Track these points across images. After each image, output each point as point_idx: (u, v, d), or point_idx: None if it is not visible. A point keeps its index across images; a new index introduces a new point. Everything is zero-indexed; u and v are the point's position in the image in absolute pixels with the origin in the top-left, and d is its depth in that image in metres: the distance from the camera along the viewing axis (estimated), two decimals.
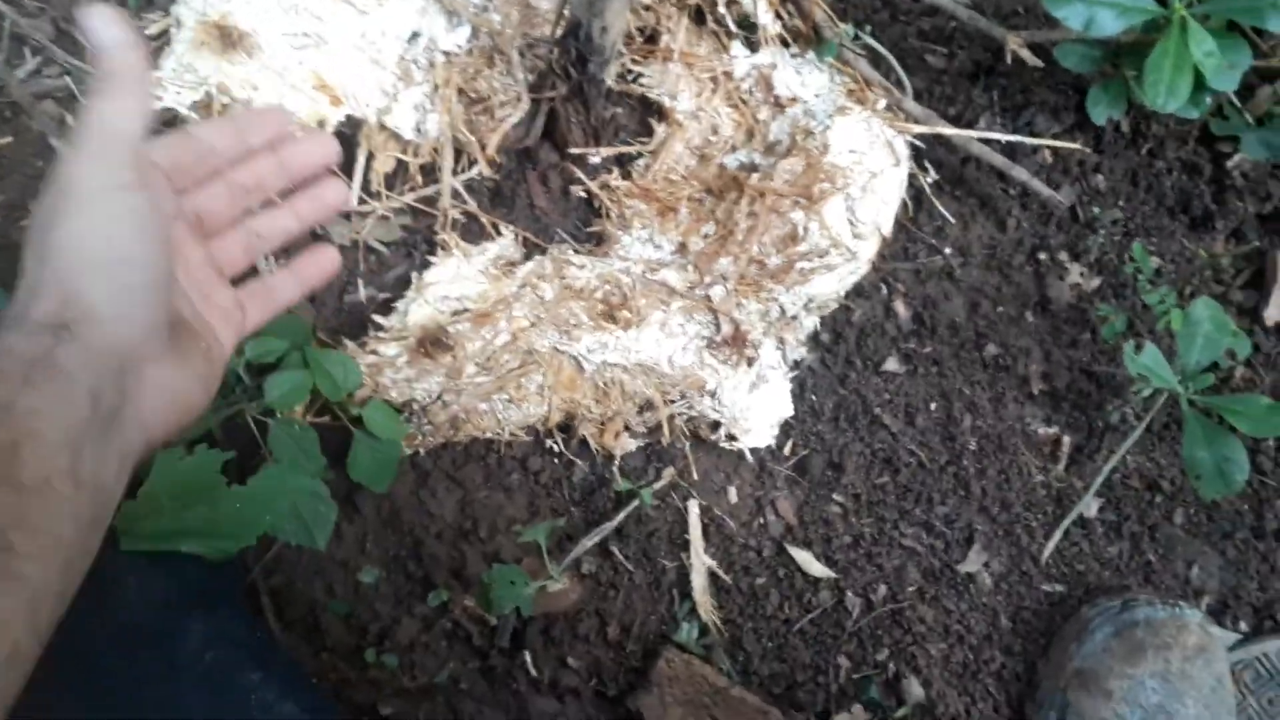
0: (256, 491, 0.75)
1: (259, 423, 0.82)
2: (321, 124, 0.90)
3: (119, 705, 0.61)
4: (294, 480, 0.78)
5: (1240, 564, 1.01)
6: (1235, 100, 1.06)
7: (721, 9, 0.98)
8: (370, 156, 0.91)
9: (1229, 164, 1.05)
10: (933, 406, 1.00)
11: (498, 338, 0.87)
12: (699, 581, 0.94)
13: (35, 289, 0.50)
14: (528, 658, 0.91)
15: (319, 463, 0.81)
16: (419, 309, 0.87)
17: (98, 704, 0.60)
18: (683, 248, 0.93)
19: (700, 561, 0.94)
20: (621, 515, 0.92)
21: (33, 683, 0.46)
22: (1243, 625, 1.01)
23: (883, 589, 0.97)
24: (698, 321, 0.91)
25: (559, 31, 0.80)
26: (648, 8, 0.97)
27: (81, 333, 0.49)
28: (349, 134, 0.93)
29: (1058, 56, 0.96)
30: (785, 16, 1.00)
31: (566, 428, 0.94)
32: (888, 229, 0.95)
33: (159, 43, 0.91)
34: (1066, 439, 1.01)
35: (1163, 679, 0.92)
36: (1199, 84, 0.89)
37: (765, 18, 0.98)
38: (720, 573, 0.95)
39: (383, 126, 0.92)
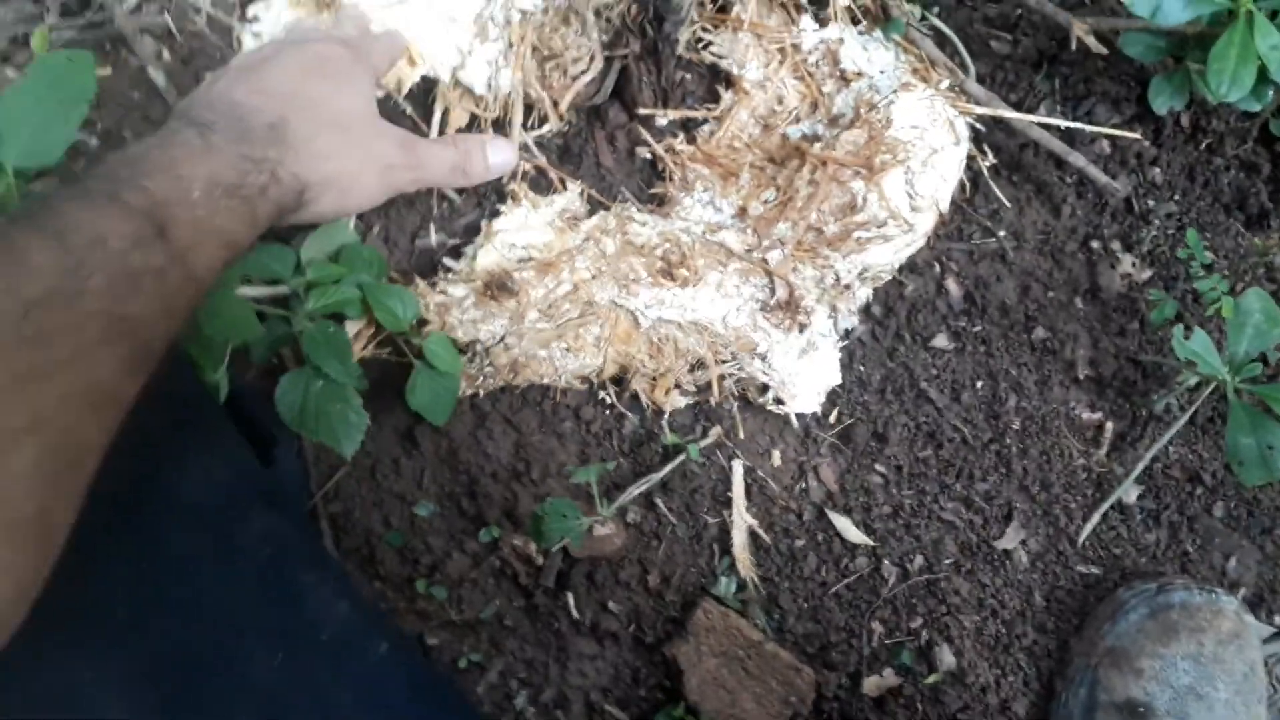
0: (286, 389, 0.81)
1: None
2: (400, 82, 0.93)
3: (172, 581, 0.63)
4: (321, 380, 0.82)
5: (1278, 559, 1.02)
6: None
7: None
8: (445, 112, 0.95)
9: None
10: (979, 385, 1.02)
11: (560, 287, 0.91)
12: (739, 539, 0.96)
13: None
14: (570, 600, 0.94)
15: (353, 370, 0.83)
16: (487, 254, 0.91)
17: (150, 576, 0.62)
18: (742, 212, 0.96)
19: (742, 519, 0.97)
20: (668, 468, 0.95)
21: (87, 545, 0.50)
22: (1278, 620, 1.02)
23: (919, 559, 0.99)
24: (753, 284, 0.93)
25: None
26: None
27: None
28: (427, 91, 0.97)
29: (1122, 44, 0.97)
30: None
31: (620, 380, 0.97)
32: (945, 205, 0.97)
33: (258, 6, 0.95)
34: (1110, 425, 1.02)
35: (1195, 661, 0.93)
36: (1262, 76, 0.90)
37: None
38: (760, 532, 0.97)
39: (457, 83, 0.95)
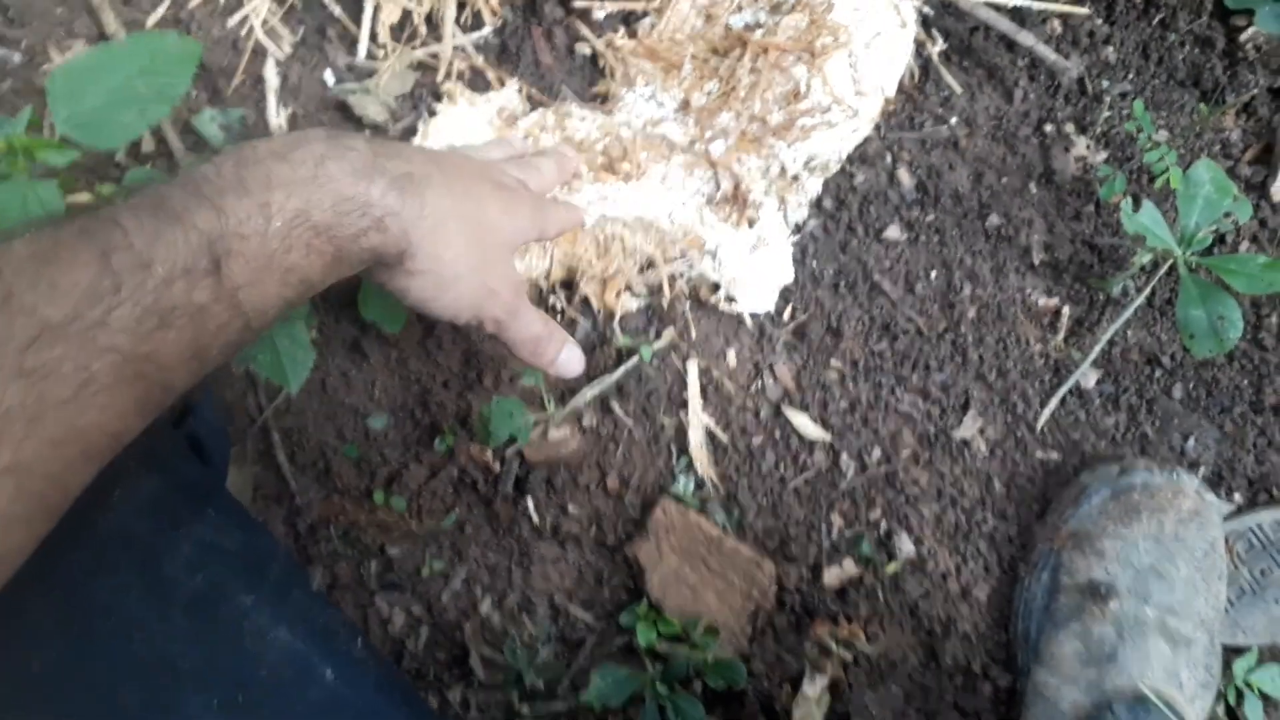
0: None
1: None
2: None
3: (98, 626, 0.57)
4: None
5: (1237, 438, 1.02)
6: None
7: None
8: (377, 8, 0.92)
9: (1242, 37, 1.04)
10: (933, 275, 1.01)
11: None
12: (696, 438, 0.96)
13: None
14: (530, 505, 0.94)
15: (303, 307, 0.81)
16: None
17: (75, 623, 0.57)
18: (685, 105, 0.94)
19: (698, 419, 0.96)
20: (621, 370, 0.94)
21: (10, 604, 0.46)
22: (1237, 497, 1.02)
23: (877, 452, 0.99)
24: (698, 177, 0.92)
25: None
26: None
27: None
28: None
29: None
30: None
31: (569, 284, 0.95)
32: (891, 90, 0.95)
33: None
34: (1066, 310, 1.02)
35: (1155, 540, 0.93)
36: None
37: None
38: (717, 432, 0.97)
39: None
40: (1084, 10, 1.00)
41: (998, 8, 0.99)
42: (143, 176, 0.75)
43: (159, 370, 0.49)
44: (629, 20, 0.99)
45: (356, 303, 0.87)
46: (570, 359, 0.79)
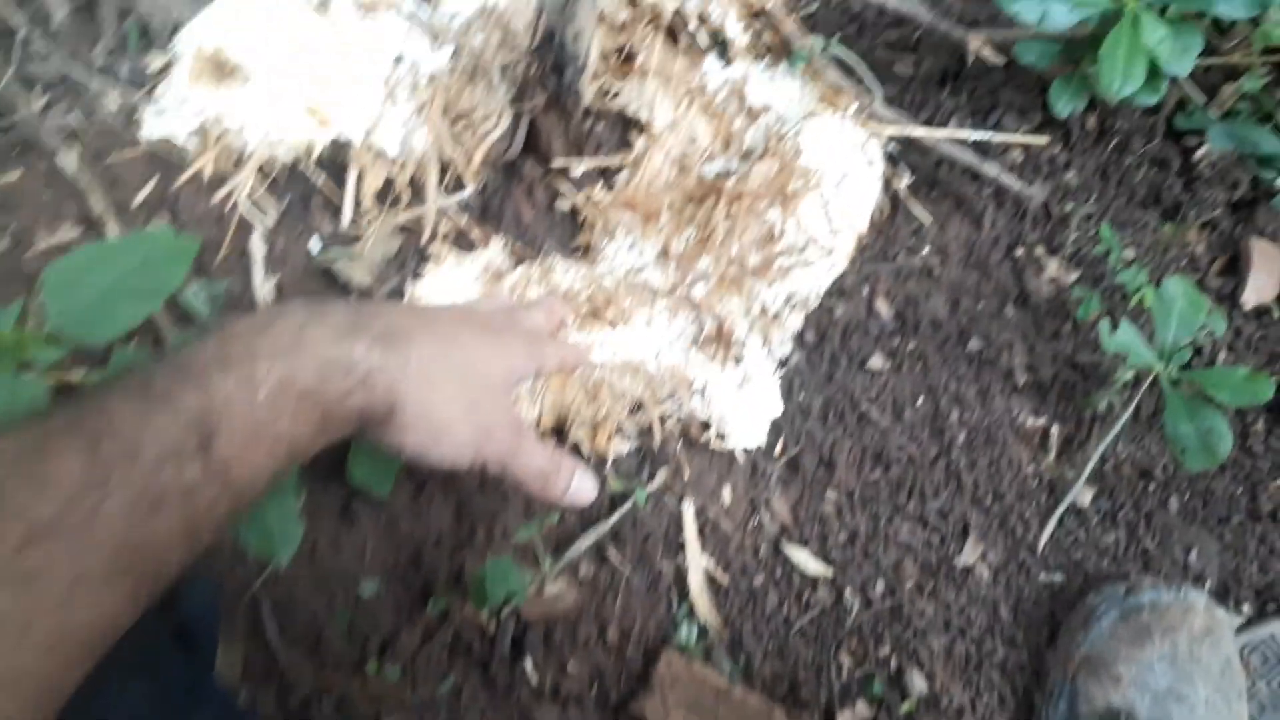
0: None
1: None
2: (310, 147, 0.93)
3: None
4: None
5: (1238, 547, 1.01)
6: (1198, 98, 1.10)
7: (694, 27, 1.02)
8: (360, 175, 0.95)
9: (1196, 156, 1.08)
10: (920, 401, 1.01)
11: None
12: (696, 582, 0.94)
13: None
14: (528, 665, 0.91)
15: (291, 477, 0.80)
16: None
17: None
18: (665, 252, 0.96)
19: (697, 562, 0.95)
20: (616, 516, 0.93)
21: None
22: (1245, 608, 1.01)
23: (880, 585, 0.97)
24: (682, 320, 0.93)
25: (535, 42, 0.84)
26: (623, 28, 1.01)
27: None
28: (338, 155, 0.97)
29: (1017, 53, 1.00)
30: (756, 31, 1.04)
31: (560, 431, 0.95)
32: (864, 226, 0.97)
33: (161, 77, 0.95)
34: (1055, 429, 1.02)
35: (1171, 662, 0.91)
36: (1154, 70, 0.92)
37: (736, 32, 1.02)
38: (717, 574, 0.95)
39: (369, 146, 0.96)
40: (1043, 139, 1.04)
41: (960, 142, 1.02)
42: (129, 359, 0.75)
43: (151, 558, 0.48)
44: (606, 175, 1.02)
45: (345, 467, 0.86)
46: (581, 488, 0.77)
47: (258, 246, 0.95)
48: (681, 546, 0.95)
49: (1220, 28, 1.10)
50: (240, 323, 0.56)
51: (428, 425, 0.64)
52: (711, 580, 0.95)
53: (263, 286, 0.94)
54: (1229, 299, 1.06)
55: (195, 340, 0.55)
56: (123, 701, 0.58)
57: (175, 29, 0.99)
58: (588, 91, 0.96)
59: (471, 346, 0.68)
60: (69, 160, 0.94)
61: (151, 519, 0.47)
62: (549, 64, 0.86)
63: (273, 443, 0.54)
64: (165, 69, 0.96)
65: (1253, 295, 1.05)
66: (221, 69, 0.90)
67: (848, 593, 0.96)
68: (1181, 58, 0.91)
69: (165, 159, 0.97)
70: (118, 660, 0.54)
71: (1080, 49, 0.99)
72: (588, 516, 0.95)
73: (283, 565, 0.78)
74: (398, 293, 0.95)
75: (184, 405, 0.50)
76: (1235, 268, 1.07)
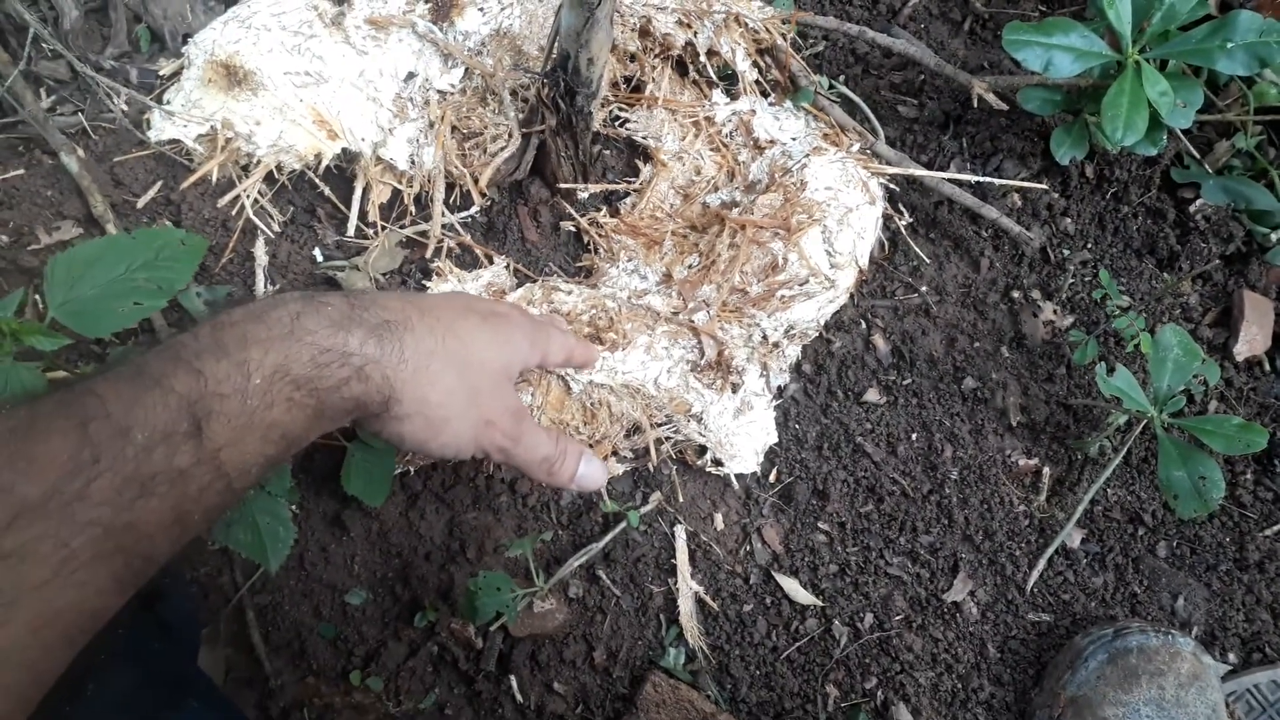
0: None
1: None
2: (319, 157, 0.94)
3: None
4: (251, 493, 0.78)
5: (1225, 595, 1.01)
6: (1194, 152, 1.12)
7: (703, 60, 1.04)
8: (367, 188, 0.96)
9: (1191, 208, 1.10)
10: (914, 436, 1.02)
11: None
12: (686, 607, 0.94)
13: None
14: (514, 682, 0.91)
15: (284, 482, 0.81)
16: None
17: None
18: (667, 278, 0.97)
19: (687, 587, 0.95)
20: (609, 538, 0.93)
21: None
22: (1231, 657, 1.01)
23: (869, 617, 0.97)
24: (682, 345, 0.93)
25: (548, 65, 0.86)
26: (633, 58, 1.03)
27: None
28: (345, 166, 0.98)
29: (1020, 100, 1.02)
30: (763, 67, 1.06)
31: None
32: (864, 261, 0.99)
33: (171, 81, 0.96)
34: (1047, 470, 1.03)
35: (1158, 706, 0.91)
36: (1155, 122, 0.94)
37: (744, 67, 1.04)
38: (707, 599, 0.95)
39: (378, 159, 0.96)
40: (1041, 186, 1.06)
41: (960, 184, 1.04)
42: (124, 354, 0.75)
43: (140, 540, 0.47)
44: (610, 199, 1.03)
45: (339, 476, 0.86)
46: (590, 472, 0.76)
47: (262, 253, 0.95)
48: (672, 570, 0.95)
49: (1216, 86, 1.12)
50: (236, 310, 0.56)
51: (425, 418, 0.64)
52: (701, 605, 0.95)
53: (265, 293, 0.94)
54: (1220, 350, 1.08)
55: (190, 328, 0.55)
56: (108, 688, 0.58)
57: (187, 36, 1.00)
58: (597, 117, 0.97)
59: (471, 336, 0.67)
60: (72, 159, 0.94)
61: (141, 502, 0.47)
62: (561, 88, 0.87)
63: (266, 430, 0.53)
64: (176, 74, 0.97)
65: (1245, 347, 1.07)
66: (233, 76, 0.91)
67: (836, 624, 0.96)
68: (1182, 112, 0.93)
69: (172, 162, 0.98)
70: (102, 645, 0.54)
71: (1082, 98, 1.01)
72: (580, 536, 0.95)
73: (273, 571, 0.78)
74: None
75: (176, 389, 0.49)
76: (1227, 319, 1.09)
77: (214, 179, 0.96)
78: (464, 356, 0.65)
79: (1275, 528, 1.02)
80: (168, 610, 0.75)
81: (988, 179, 1.05)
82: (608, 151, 1.04)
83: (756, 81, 1.06)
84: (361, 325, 0.59)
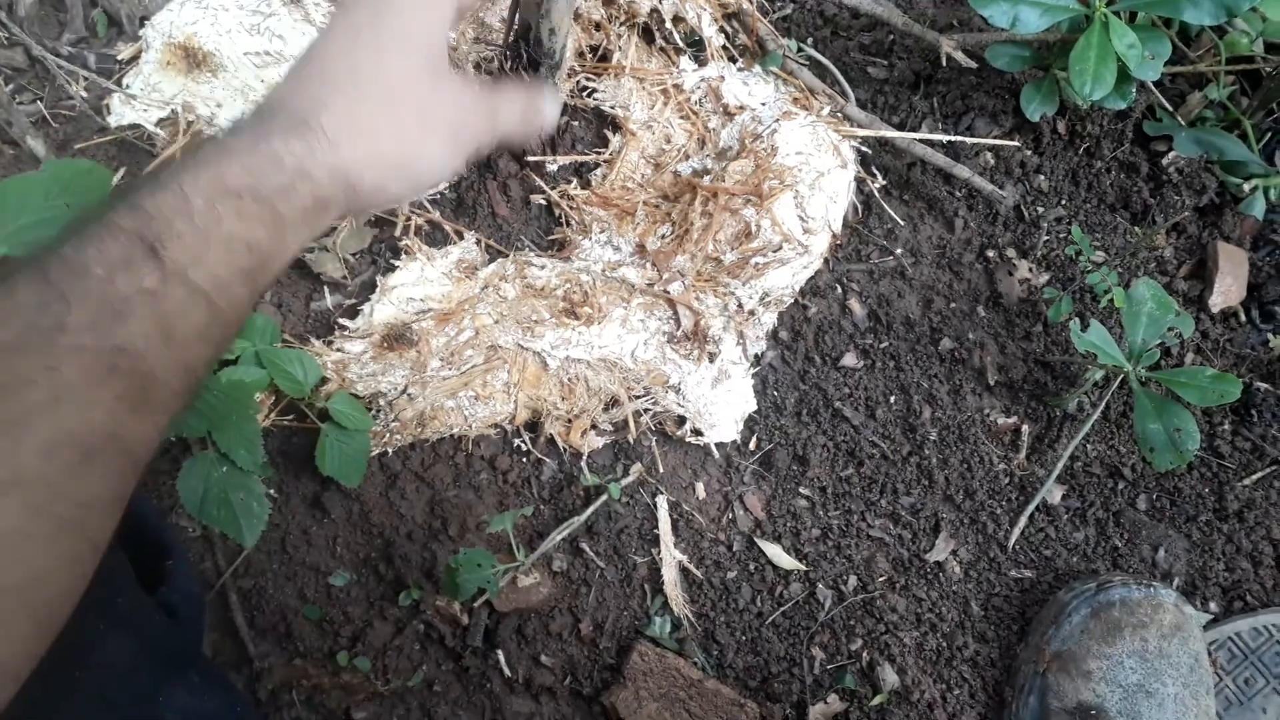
0: (188, 474, 0.77)
1: None
2: None
3: None
4: (225, 467, 0.79)
5: (1206, 546, 1.02)
6: (1166, 105, 1.12)
7: (669, 26, 1.03)
8: None
9: (1164, 161, 1.10)
10: (892, 399, 1.02)
11: (461, 334, 0.90)
12: (670, 576, 0.94)
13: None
14: (501, 657, 0.91)
15: (258, 456, 0.81)
16: (383, 309, 0.90)
17: None
18: (641, 249, 0.96)
19: (671, 556, 0.95)
20: (590, 510, 0.93)
21: None
22: (1212, 606, 1.02)
23: (853, 580, 0.98)
24: (658, 317, 0.93)
25: (510, 37, 0.85)
26: (599, 27, 1.02)
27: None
28: None
29: (989, 57, 1.01)
30: (730, 32, 1.05)
31: (534, 426, 0.95)
32: (838, 225, 0.98)
33: (130, 65, 0.95)
34: (1026, 428, 1.03)
35: (1141, 658, 0.92)
36: (1124, 75, 0.94)
37: (711, 32, 1.03)
38: (691, 567, 0.96)
39: None
40: (1014, 143, 1.05)
41: (932, 144, 1.03)
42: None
43: (135, 361, 0.48)
44: (581, 171, 1.02)
45: (315, 459, 0.86)
46: (551, 106, 0.73)
47: None
48: (655, 540, 0.95)
49: (1187, 37, 1.12)
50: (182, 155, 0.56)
51: (396, 168, 0.62)
52: (685, 574, 0.95)
53: None
54: (1196, 302, 1.08)
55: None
56: (111, 657, 0.59)
57: (144, 18, 0.99)
58: (564, 88, 0.96)
59: (375, 59, 0.62)
60: (37, 146, 0.93)
61: (121, 325, 0.48)
62: (524, 60, 0.86)
63: (227, 243, 0.53)
64: (134, 58, 0.96)
65: (1219, 299, 1.07)
66: (192, 58, 0.90)
67: (820, 587, 0.97)
68: (1150, 64, 0.93)
69: (134, 147, 0.97)
70: (102, 619, 0.55)
71: (1051, 54, 1.01)
72: (561, 510, 0.95)
73: (248, 546, 0.78)
74: (369, 285, 0.95)
75: (121, 224, 0.50)
76: (1202, 272, 1.09)
77: None
78: (382, 87, 0.62)
79: (1254, 477, 1.03)
80: (174, 593, 0.76)
81: (959, 138, 1.04)
82: (576, 122, 1.03)
83: (724, 47, 1.05)
84: (278, 124, 0.57)
